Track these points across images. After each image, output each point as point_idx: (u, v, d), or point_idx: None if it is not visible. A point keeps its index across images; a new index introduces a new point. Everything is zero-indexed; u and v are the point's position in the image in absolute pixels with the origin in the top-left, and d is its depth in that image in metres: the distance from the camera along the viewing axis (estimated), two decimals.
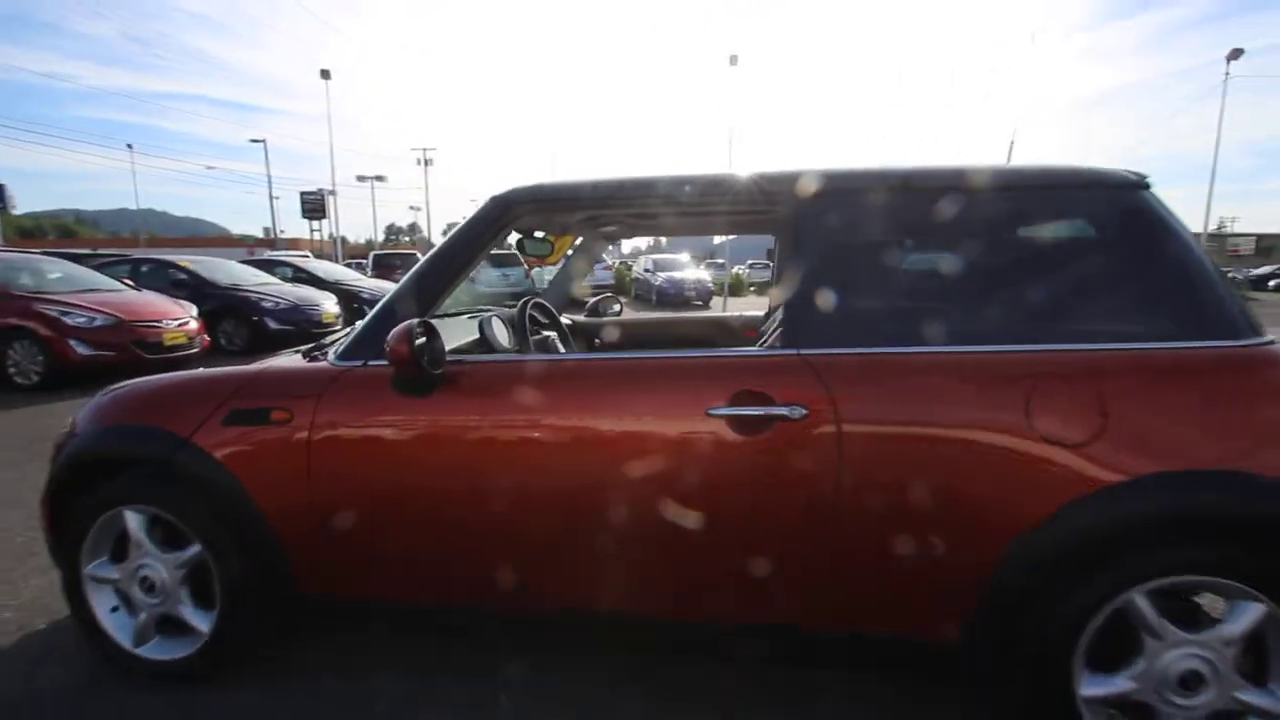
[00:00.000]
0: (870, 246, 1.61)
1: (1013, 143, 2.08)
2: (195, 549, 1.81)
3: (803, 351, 1.55)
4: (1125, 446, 1.38)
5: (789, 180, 1.64)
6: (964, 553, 1.45)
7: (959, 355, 1.50)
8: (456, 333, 2.27)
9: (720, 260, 23.78)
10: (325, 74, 28.80)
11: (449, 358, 1.67)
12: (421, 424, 1.65)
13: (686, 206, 1.90)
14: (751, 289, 24.05)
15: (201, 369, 1.94)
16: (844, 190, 1.62)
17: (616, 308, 3.48)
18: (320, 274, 11.72)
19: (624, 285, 20.67)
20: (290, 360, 1.94)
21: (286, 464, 1.70)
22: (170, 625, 1.91)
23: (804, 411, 1.49)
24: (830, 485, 1.48)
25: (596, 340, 3.11)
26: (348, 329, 2.04)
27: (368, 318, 1.81)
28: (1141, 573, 1.41)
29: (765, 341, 2.21)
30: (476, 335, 2.21)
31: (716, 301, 18.22)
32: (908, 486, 1.46)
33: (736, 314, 3.20)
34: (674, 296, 17.82)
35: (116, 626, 1.92)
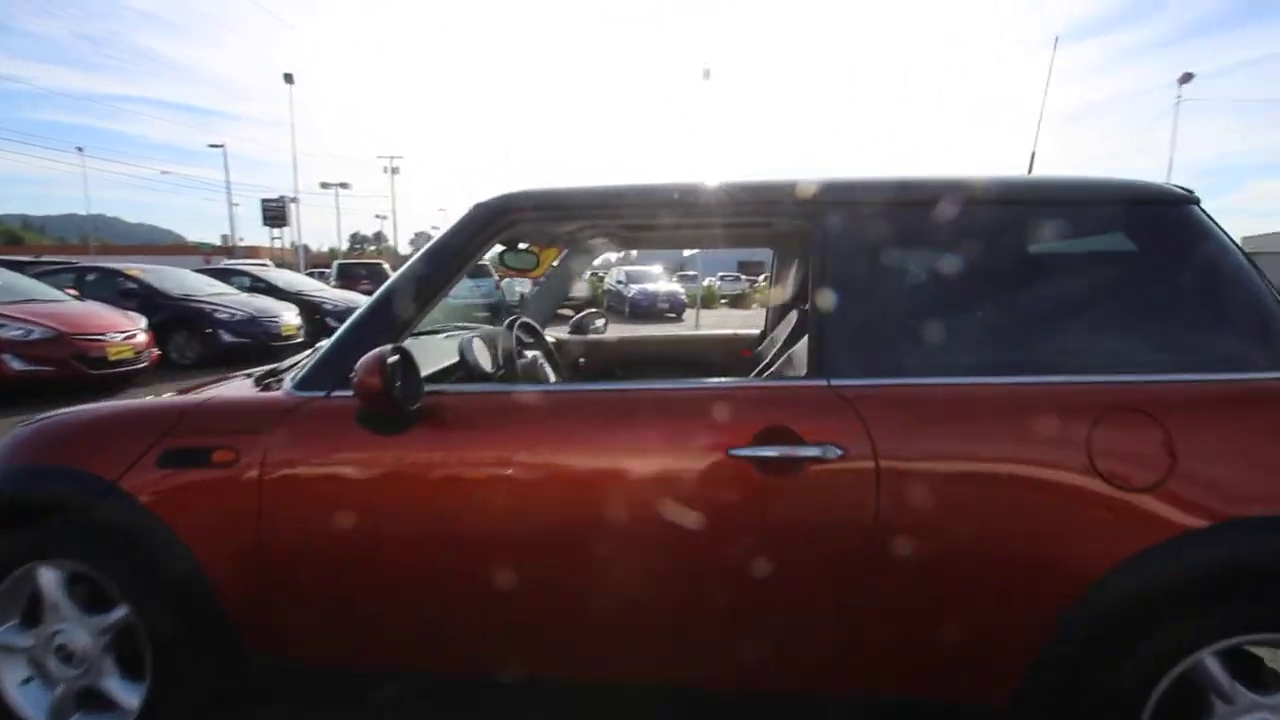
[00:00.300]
0: (910, 264, 1.44)
1: (1033, 154, 1.95)
2: (122, 611, 1.55)
3: (833, 382, 1.37)
4: (1195, 490, 1.25)
5: (820, 190, 1.47)
6: (1016, 610, 1.30)
7: (1009, 387, 1.34)
8: (431, 354, 2.04)
9: (692, 272, 23.77)
10: (288, 78, 28.16)
11: (426, 388, 1.44)
12: (395, 466, 1.42)
13: (694, 216, 1.71)
14: (723, 301, 24.07)
15: (136, 399, 1.68)
16: (881, 202, 1.46)
17: (600, 323, 3.27)
18: (280, 284, 11.26)
19: (596, 297, 20.47)
20: (240, 388, 1.70)
21: (231, 513, 1.45)
22: (93, 699, 1.63)
23: (839, 451, 1.31)
24: (867, 534, 1.30)
25: (581, 360, 2.91)
26: (311, 349, 1.80)
27: (332, 340, 1.57)
28: (1214, 631, 1.27)
29: (774, 366, 2.03)
30: (453, 358, 1.99)
31: (689, 314, 18.12)
32: (956, 535, 1.30)
33: (730, 332, 3.03)
34: (647, 308, 17.67)
35: (28, 702, 1.63)
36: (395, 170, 44.05)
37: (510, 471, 1.40)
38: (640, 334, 3.18)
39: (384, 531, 1.44)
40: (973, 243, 1.42)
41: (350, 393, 1.39)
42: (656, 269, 20.30)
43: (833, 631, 1.37)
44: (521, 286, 13.96)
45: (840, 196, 1.46)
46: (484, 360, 1.91)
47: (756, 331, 2.96)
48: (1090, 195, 1.48)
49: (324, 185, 43.76)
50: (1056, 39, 2.04)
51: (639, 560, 1.37)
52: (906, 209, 1.45)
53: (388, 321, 1.52)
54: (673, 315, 17.89)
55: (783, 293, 2.50)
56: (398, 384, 1.34)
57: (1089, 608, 1.26)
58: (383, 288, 1.58)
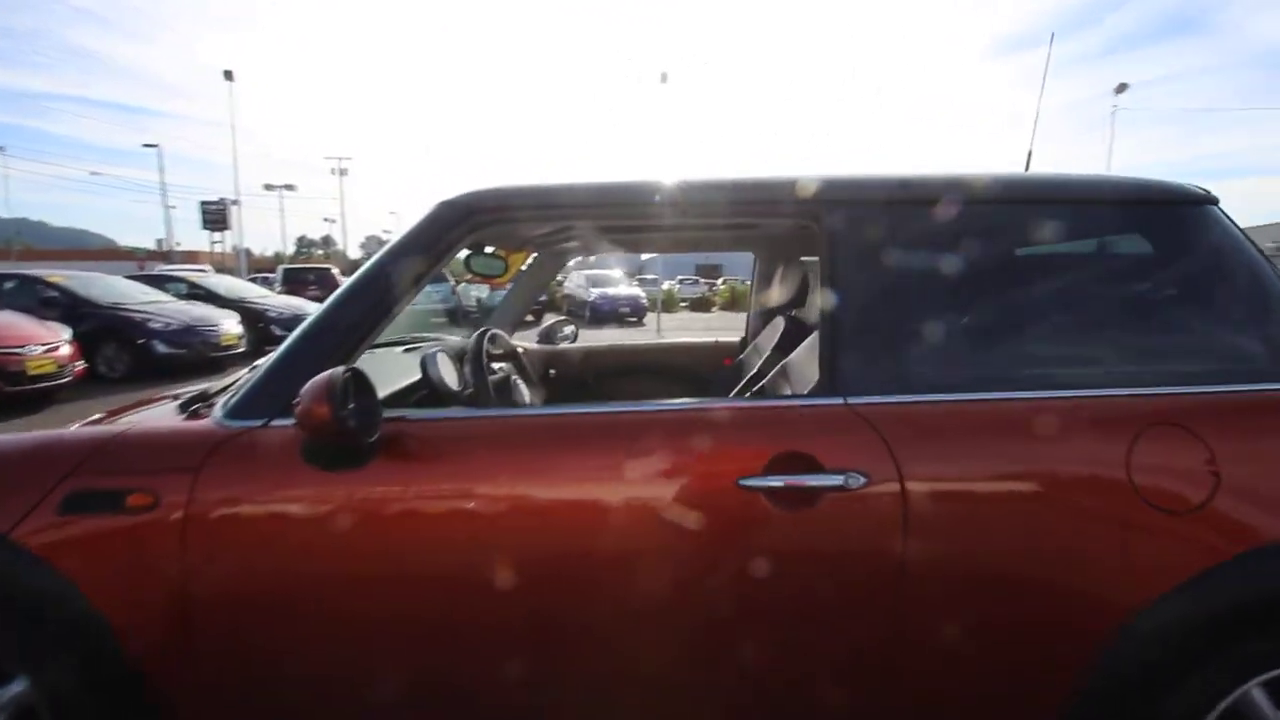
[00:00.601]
0: (929, 269, 1.30)
1: (1030, 152, 1.86)
2: (18, 686, 1.29)
3: (850, 401, 1.23)
4: (1241, 511, 1.16)
5: (828, 188, 1.32)
6: (1057, 647, 1.19)
7: (1039, 403, 1.23)
8: (387, 371, 1.83)
9: (652, 276, 23.70)
10: (228, 75, 27.03)
11: (385, 413, 1.24)
12: (347, 507, 1.21)
13: (682, 216, 1.55)
14: (684, 304, 24.11)
15: (33, 432, 1.42)
16: (900, 201, 1.33)
17: (569, 329, 3.08)
18: (220, 290, 10.71)
19: (554, 301, 20.15)
20: (160, 416, 1.45)
21: (151, 568, 1.22)
22: None
23: (862, 479, 1.16)
24: (895, 569, 1.17)
25: (551, 372, 2.71)
26: (248, 368, 1.57)
27: (272, 360, 1.35)
28: (1262, 659, 1.18)
29: (766, 377, 1.89)
30: (414, 375, 1.78)
31: (650, 318, 18.01)
32: (992, 565, 1.18)
33: (710, 339, 2.88)
34: (608, 313, 17.47)
35: None
36: (344, 172, 42.88)
37: (484, 510, 1.21)
38: (617, 343, 3.01)
39: (335, 584, 1.23)
40: (997, 244, 1.31)
41: (293, 421, 1.18)
42: (616, 273, 20.13)
43: (862, 677, 1.23)
44: (478, 291, 13.55)
45: (855, 195, 1.32)
46: (450, 378, 1.71)
47: (736, 339, 2.82)
48: (1110, 195, 1.38)
49: (268, 187, 42.33)
50: (1053, 35, 1.96)
51: (635, 609, 1.20)
52: (924, 209, 1.32)
53: (338, 337, 1.31)
54: (634, 319, 17.75)
55: (766, 298, 2.37)
56: (350, 409, 1.13)
57: (1131, 644, 1.16)
58: (331, 299, 1.37)
